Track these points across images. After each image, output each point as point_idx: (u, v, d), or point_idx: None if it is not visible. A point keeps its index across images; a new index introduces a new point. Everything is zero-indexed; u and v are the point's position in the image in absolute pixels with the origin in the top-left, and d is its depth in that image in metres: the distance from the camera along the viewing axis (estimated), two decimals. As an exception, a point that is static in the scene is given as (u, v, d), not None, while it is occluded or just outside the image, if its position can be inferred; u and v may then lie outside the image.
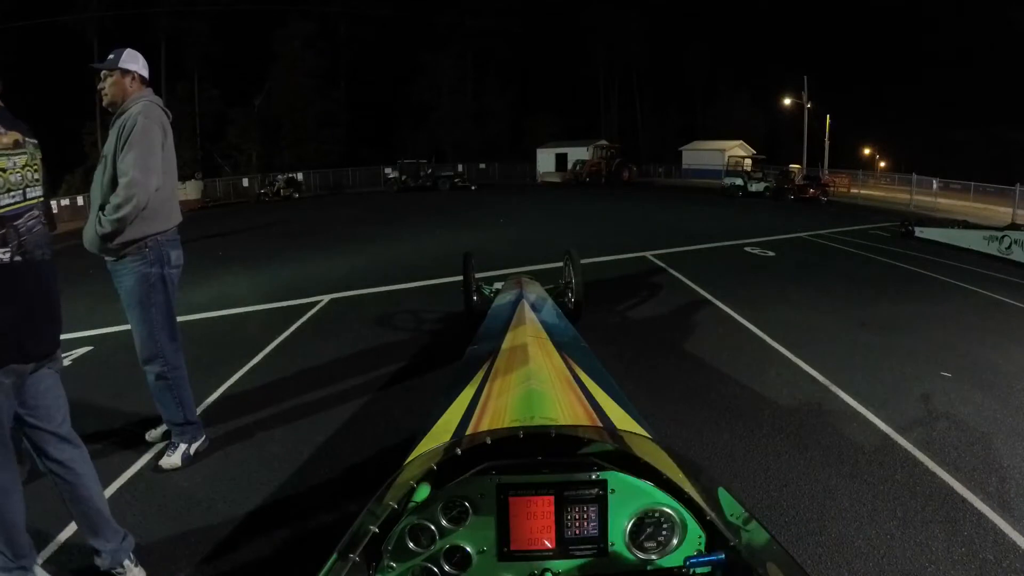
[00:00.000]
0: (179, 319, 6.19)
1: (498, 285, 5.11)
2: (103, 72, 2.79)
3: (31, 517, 2.60)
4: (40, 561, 2.30)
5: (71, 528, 2.50)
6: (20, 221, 1.78)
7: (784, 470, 2.93)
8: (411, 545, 1.15)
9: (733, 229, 12.19)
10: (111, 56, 2.79)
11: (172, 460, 2.98)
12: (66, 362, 4.66)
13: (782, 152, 33.04)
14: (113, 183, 2.68)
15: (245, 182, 31.52)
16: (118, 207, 2.62)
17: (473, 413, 1.64)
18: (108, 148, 2.72)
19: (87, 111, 32.21)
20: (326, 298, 6.75)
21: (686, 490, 1.20)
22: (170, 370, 2.93)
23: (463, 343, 2.73)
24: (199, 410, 3.66)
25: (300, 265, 9.12)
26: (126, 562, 2.14)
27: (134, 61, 2.80)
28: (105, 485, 2.81)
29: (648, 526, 1.18)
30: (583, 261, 5.58)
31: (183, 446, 3.01)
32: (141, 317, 2.88)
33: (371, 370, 4.39)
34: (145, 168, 2.64)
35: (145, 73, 2.87)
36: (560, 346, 2.29)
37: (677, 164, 37.34)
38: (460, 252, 5.78)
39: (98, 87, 2.82)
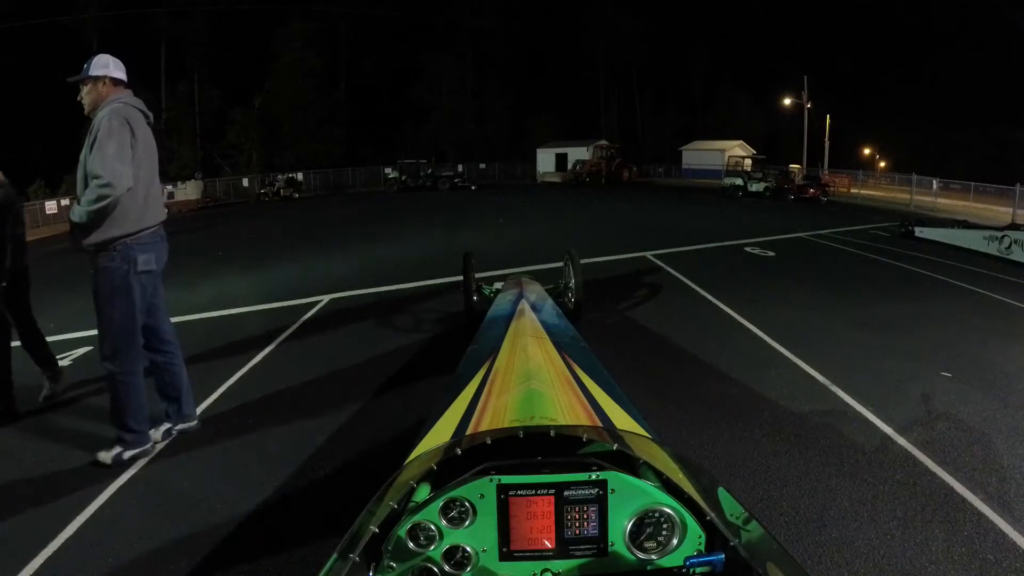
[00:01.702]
0: (179, 319, 6.22)
1: (498, 285, 5.11)
2: (80, 84, 2.91)
3: (31, 516, 2.61)
4: (38, 560, 2.30)
5: (71, 528, 2.51)
6: None
7: (784, 470, 2.93)
8: (411, 545, 1.15)
9: (733, 229, 12.19)
10: (84, 67, 2.90)
11: (103, 456, 2.97)
12: (66, 362, 4.66)
13: (782, 152, 33.06)
14: (87, 186, 2.72)
15: (245, 182, 31.54)
16: (91, 202, 2.66)
17: (473, 413, 1.64)
18: (83, 153, 2.77)
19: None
20: (326, 298, 6.76)
21: (686, 490, 1.20)
22: (122, 374, 2.91)
23: (463, 343, 2.73)
24: (200, 409, 3.67)
25: (300, 265, 9.13)
26: None
27: (104, 67, 2.89)
28: (105, 485, 2.83)
29: (648, 526, 1.18)
30: (583, 261, 5.57)
31: (119, 448, 2.98)
32: (103, 315, 2.89)
33: (371, 370, 4.39)
34: (115, 165, 2.65)
35: (119, 75, 2.93)
36: (560, 346, 2.29)
37: (677, 164, 37.33)
38: (460, 252, 5.78)
39: (78, 98, 2.93)
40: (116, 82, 2.93)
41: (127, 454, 2.99)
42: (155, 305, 3.08)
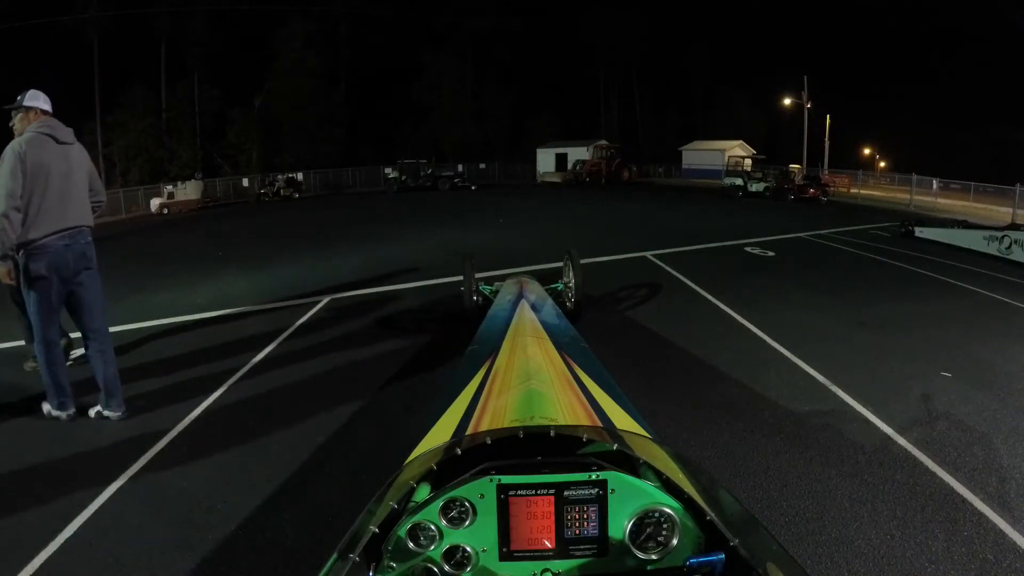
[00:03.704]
0: (179, 319, 6.22)
1: (498, 285, 5.12)
2: (13, 111, 3.36)
3: (31, 516, 2.61)
4: (40, 560, 2.30)
5: (71, 528, 2.51)
6: None
7: (784, 470, 2.93)
8: (411, 545, 1.15)
9: (733, 229, 12.19)
10: (19, 98, 3.37)
11: (44, 406, 3.58)
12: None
13: (782, 152, 33.02)
14: None
15: (245, 182, 31.52)
16: None
17: (473, 413, 1.64)
18: None
19: (87, 111, 32.26)
20: (326, 298, 6.76)
21: (686, 490, 1.20)
22: (40, 355, 3.43)
23: (463, 343, 2.73)
24: (200, 409, 3.72)
25: (300, 265, 9.12)
26: None
27: (34, 99, 3.36)
28: (104, 485, 2.83)
29: (648, 526, 1.18)
30: (583, 261, 5.58)
31: (47, 406, 3.57)
32: (27, 307, 3.43)
33: (371, 370, 4.39)
34: None
35: (46, 107, 3.38)
36: (560, 346, 2.29)
37: (677, 164, 37.32)
38: (460, 252, 5.79)
39: (10, 124, 3.39)
40: (44, 112, 3.36)
41: (54, 413, 3.55)
42: (82, 303, 3.45)
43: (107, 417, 3.57)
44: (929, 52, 42.99)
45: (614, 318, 5.78)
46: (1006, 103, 36.45)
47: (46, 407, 3.60)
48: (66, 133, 3.37)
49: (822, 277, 7.88)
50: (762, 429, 3.37)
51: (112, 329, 5.58)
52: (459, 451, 1.27)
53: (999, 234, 9.76)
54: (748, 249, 9.91)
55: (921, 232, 11.55)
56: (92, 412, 3.59)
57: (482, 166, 37.38)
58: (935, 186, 21.63)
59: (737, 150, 31.22)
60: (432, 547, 1.16)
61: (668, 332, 5.24)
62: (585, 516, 1.17)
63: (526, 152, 38.28)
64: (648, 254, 9.18)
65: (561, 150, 35.34)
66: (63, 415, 3.56)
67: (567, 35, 44.23)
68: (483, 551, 1.17)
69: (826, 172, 26.33)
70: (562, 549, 1.18)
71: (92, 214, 3.54)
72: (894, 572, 2.20)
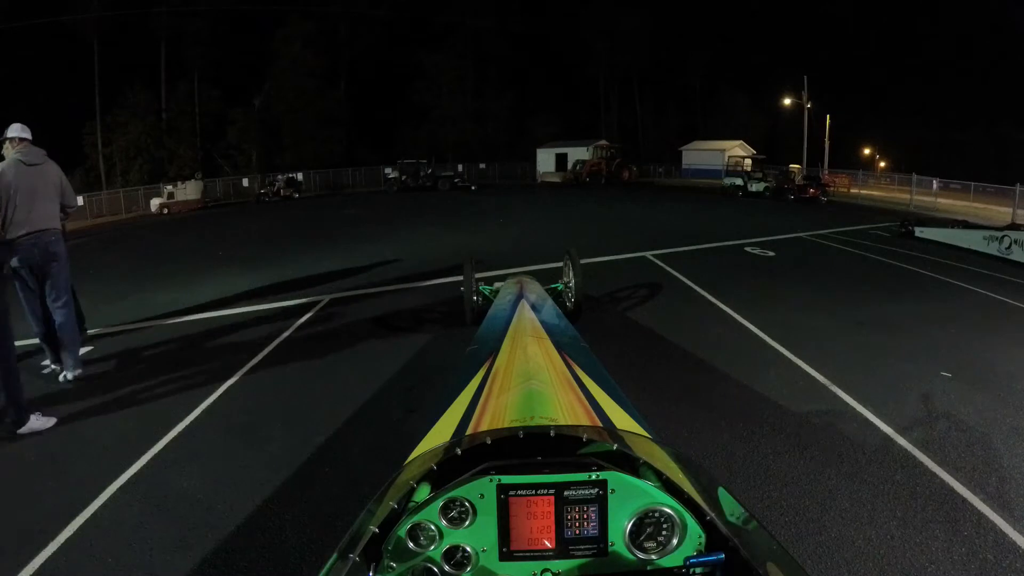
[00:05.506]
0: (179, 319, 6.23)
1: (498, 285, 5.11)
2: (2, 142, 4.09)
3: (31, 516, 2.61)
4: (40, 559, 2.30)
5: (71, 528, 2.51)
6: None
7: (784, 470, 2.93)
8: (411, 545, 1.15)
9: (733, 229, 12.19)
10: (6, 131, 4.04)
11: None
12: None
13: (782, 152, 33.00)
14: None
15: (245, 182, 31.53)
16: None
17: (473, 413, 1.64)
18: None
19: (87, 111, 32.27)
20: (326, 298, 6.76)
21: (686, 490, 1.20)
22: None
23: (463, 343, 2.73)
24: (200, 409, 3.73)
25: (300, 265, 9.12)
26: None
27: (23, 131, 4.06)
28: (105, 484, 2.83)
29: (648, 526, 1.18)
30: (583, 261, 5.58)
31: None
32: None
33: (371, 370, 4.39)
34: None
35: (24, 135, 4.05)
36: (560, 346, 2.29)
37: (677, 164, 37.31)
38: (460, 252, 5.79)
39: (1, 150, 4.08)
40: (22, 139, 4.03)
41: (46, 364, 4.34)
42: (50, 288, 4.12)
43: (68, 379, 4.16)
44: (930, 52, 42.98)
45: (614, 318, 5.78)
46: (1006, 103, 36.47)
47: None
48: (36, 156, 4.06)
49: (822, 277, 7.87)
50: (762, 429, 3.37)
51: (113, 328, 5.63)
52: (459, 451, 1.27)
53: (999, 234, 9.76)
54: (748, 249, 9.90)
55: (921, 232, 11.55)
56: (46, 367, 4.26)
57: (482, 166, 37.36)
58: (935, 186, 21.61)
59: (737, 150, 31.21)
60: (432, 547, 1.16)
61: (668, 332, 5.24)
62: (585, 516, 1.17)
63: (526, 152, 38.26)
64: (648, 254, 9.18)
65: (561, 150, 35.32)
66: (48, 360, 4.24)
67: (567, 35, 44.22)
68: (483, 551, 1.17)
69: (826, 172, 26.30)
70: (562, 549, 1.18)
71: (59, 218, 4.19)
72: (894, 572, 2.20)
